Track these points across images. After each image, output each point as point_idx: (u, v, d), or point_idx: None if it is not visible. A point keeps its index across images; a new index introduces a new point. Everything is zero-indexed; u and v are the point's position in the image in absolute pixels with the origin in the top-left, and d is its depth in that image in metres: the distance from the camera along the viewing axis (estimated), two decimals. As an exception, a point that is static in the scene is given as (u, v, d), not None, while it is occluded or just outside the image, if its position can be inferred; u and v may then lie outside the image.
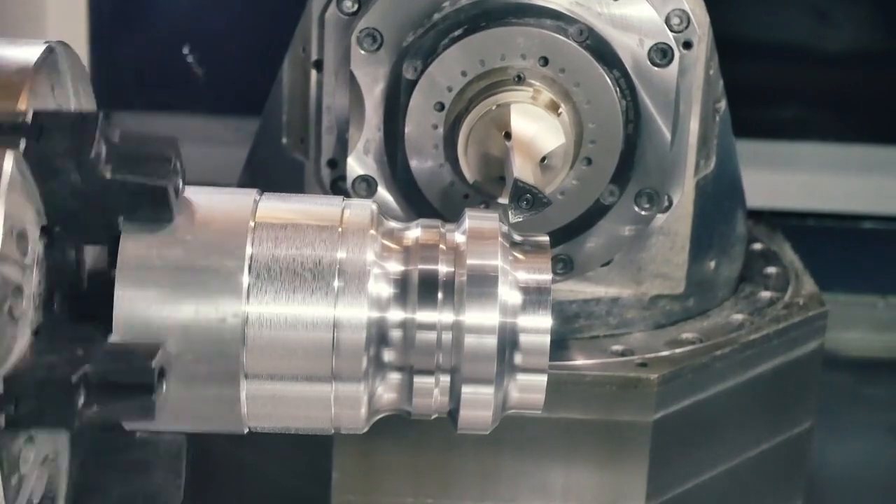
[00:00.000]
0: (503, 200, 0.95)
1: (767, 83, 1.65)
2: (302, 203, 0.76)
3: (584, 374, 0.99)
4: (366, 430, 0.76)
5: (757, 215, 1.25)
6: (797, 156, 1.68)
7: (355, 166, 0.98)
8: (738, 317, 1.08)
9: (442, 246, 0.74)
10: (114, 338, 0.70)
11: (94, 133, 0.69)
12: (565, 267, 1.00)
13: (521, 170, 0.89)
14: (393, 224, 0.76)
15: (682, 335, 1.04)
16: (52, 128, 0.68)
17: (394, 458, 1.01)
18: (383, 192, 0.98)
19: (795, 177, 1.63)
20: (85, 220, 0.70)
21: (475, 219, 0.76)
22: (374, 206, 0.76)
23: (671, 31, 0.96)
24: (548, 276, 0.74)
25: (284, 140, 1.04)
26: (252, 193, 0.75)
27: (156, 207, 0.71)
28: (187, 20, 1.69)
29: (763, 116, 1.66)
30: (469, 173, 0.95)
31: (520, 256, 0.75)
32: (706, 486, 1.05)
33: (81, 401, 0.65)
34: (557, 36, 0.94)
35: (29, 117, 0.68)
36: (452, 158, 0.95)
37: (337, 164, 1.00)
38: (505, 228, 0.76)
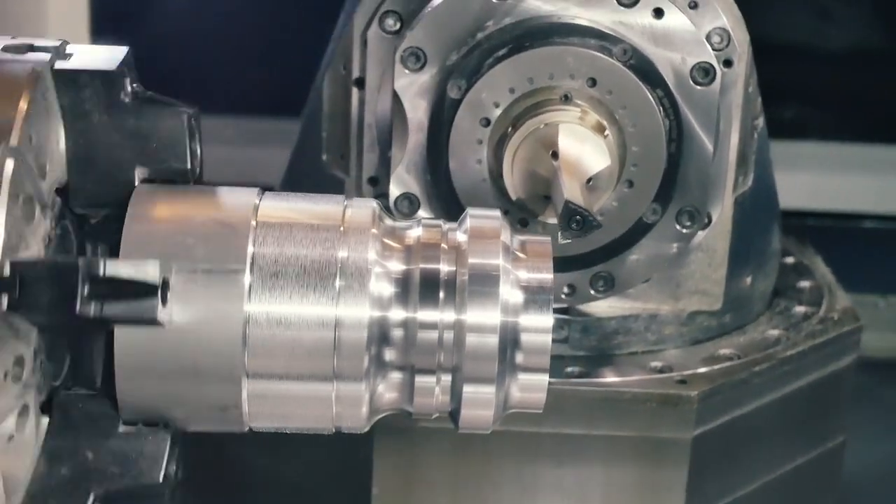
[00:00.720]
0: (544, 219, 0.95)
1: (767, 83, 1.66)
2: (303, 202, 0.75)
3: (624, 390, 0.99)
4: (367, 429, 0.75)
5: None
6: (797, 156, 1.69)
7: (398, 184, 0.97)
8: (775, 332, 1.08)
9: (443, 245, 0.74)
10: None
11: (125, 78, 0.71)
12: (606, 284, 0.99)
13: (570, 190, 0.89)
14: (394, 223, 0.76)
15: (719, 351, 1.04)
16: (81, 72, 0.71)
17: (434, 472, 1.01)
18: (425, 211, 0.98)
19: (795, 177, 1.64)
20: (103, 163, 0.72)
21: (476, 218, 0.76)
22: (376, 205, 0.76)
23: (712, 49, 0.96)
24: (549, 276, 0.74)
25: (324, 156, 1.04)
26: (253, 192, 0.74)
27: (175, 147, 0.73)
28: (188, 20, 1.68)
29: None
30: (513, 190, 0.94)
31: (521, 256, 0.75)
32: (742, 501, 1.06)
33: (86, 290, 0.65)
34: (606, 57, 0.93)
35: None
36: (496, 175, 0.95)
37: (378, 181, 1.00)
38: (506, 228, 0.76)
